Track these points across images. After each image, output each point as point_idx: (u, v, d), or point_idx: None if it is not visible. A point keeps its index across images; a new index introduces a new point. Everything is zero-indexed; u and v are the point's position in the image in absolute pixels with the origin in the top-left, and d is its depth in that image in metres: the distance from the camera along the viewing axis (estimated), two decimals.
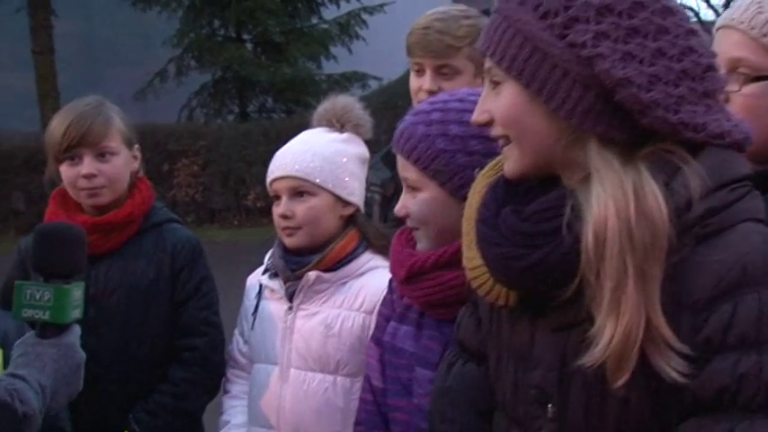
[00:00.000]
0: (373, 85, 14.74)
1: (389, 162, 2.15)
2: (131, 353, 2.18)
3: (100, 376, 2.11)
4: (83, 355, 1.49)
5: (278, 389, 2.03)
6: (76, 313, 1.48)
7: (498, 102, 1.22)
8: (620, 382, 1.12)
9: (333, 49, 15.07)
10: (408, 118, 1.64)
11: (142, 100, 14.30)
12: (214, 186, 13.17)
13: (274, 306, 2.08)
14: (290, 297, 2.03)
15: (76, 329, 1.51)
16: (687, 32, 1.17)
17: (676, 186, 1.13)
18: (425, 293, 1.62)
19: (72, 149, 2.15)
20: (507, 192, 1.28)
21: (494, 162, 1.36)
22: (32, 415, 1.31)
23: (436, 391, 1.47)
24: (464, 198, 1.46)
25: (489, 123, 1.25)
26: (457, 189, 1.56)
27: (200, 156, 13.20)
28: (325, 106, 2.15)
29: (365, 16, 15.07)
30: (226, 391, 2.24)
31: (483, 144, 1.52)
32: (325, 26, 15.35)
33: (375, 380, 1.78)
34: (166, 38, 14.62)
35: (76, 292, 1.48)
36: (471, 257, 1.31)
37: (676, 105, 1.12)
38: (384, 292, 1.85)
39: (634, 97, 1.11)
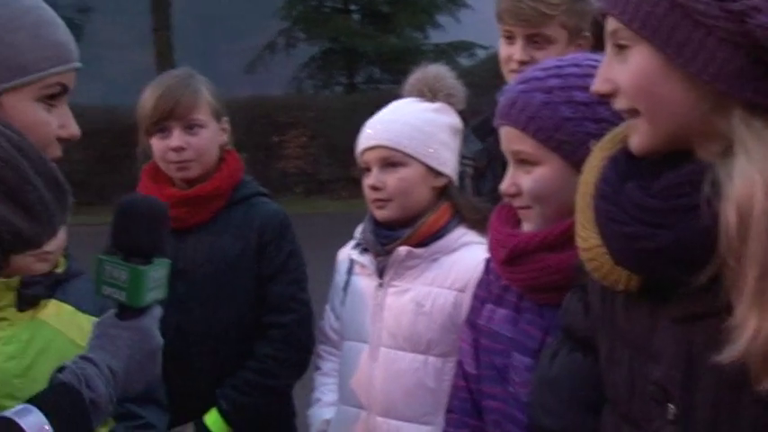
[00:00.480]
0: (480, 54, 14.53)
1: (481, 133, 2.06)
2: (219, 328, 2.16)
3: (188, 351, 2.14)
4: (160, 340, 1.41)
5: (368, 368, 1.98)
6: (155, 294, 1.39)
7: (625, 69, 1.10)
8: (766, 384, 1.00)
9: (439, 18, 15.03)
10: (517, 86, 1.52)
11: (252, 72, 14.63)
12: (322, 157, 13.34)
13: (365, 282, 2.03)
14: (381, 273, 1.98)
15: (155, 312, 1.42)
16: None
17: None
18: (528, 277, 1.53)
19: (161, 122, 2.14)
20: (630, 166, 1.16)
21: (612, 134, 1.25)
22: (100, 402, 1.25)
23: (538, 382, 1.39)
24: None
25: (613, 94, 1.13)
26: (584, 160, 1.42)
27: (309, 127, 13.39)
28: (416, 76, 2.08)
29: None
30: (317, 368, 2.22)
31: (612, 110, 1.41)
32: None
33: (468, 365, 1.70)
34: (275, 10, 14.84)
35: (155, 272, 1.38)
36: (586, 237, 1.20)
37: None
38: (478, 271, 1.75)
39: None
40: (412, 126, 1.95)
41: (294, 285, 2.20)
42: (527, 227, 1.55)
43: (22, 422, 1.14)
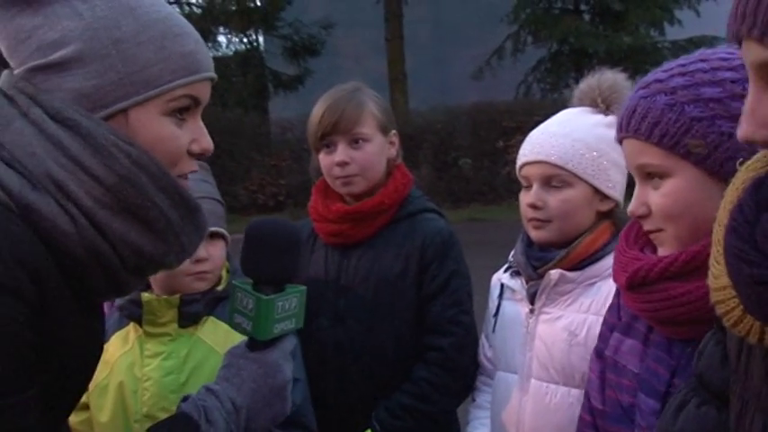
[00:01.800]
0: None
1: None
2: (377, 347, 2.12)
3: (345, 367, 2.12)
4: (288, 375, 1.33)
5: (518, 401, 1.88)
6: (284, 326, 1.31)
7: None
8: None
9: (678, 13, 14.14)
10: (638, 92, 1.35)
11: (480, 79, 14.64)
12: None
13: (516, 308, 1.93)
14: (532, 298, 1.86)
15: (287, 345, 1.34)
16: None
17: None
18: (651, 308, 1.36)
19: (327, 137, 2.12)
20: None
21: (765, 152, 1.03)
22: None
23: None
24: (729, 176, 1.14)
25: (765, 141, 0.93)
26: (720, 165, 1.27)
27: None
28: (589, 83, 1.91)
29: None
30: (473, 399, 2.13)
31: (741, 104, 1.22)
32: None
33: (595, 399, 1.57)
34: (503, 15, 14.76)
35: (285, 302, 1.30)
36: (718, 275, 1.02)
37: None
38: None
39: None
40: (582, 142, 1.80)
41: (455, 307, 2.10)
42: (661, 251, 1.38)
43: None
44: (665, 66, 1.38)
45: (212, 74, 1.20)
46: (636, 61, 13.94)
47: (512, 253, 1.97)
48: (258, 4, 15.23)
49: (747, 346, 1.04)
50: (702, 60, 1.32)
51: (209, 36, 15.46)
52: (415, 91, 14.99)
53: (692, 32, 13.79)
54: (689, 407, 1.18)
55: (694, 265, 1.29)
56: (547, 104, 13.74)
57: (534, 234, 1.85)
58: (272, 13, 15.86)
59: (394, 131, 2.20)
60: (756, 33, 0.87)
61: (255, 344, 1.31)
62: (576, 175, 1.80)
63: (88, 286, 1.07)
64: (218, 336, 1.90)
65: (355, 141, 2.10)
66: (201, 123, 1.20)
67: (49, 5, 1.11)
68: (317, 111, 2.13)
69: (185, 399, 1.27)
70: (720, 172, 1.27)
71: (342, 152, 2.10)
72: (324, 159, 2.14)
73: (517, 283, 1.91)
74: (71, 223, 1.04)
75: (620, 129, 1.38)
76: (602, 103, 1.84)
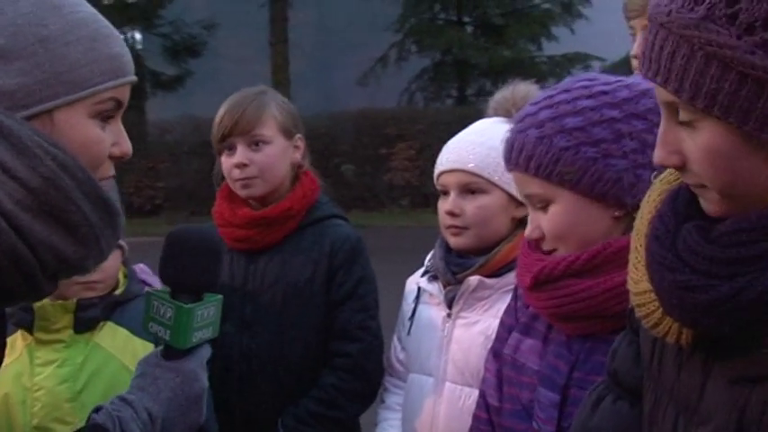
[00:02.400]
0: (596, 66, 14.27)
1: None
2: (284, 353, 2.13)
3: (251, 375, 2.14)
4: (204, 384, 1.34)
5: (432, 404, 1.92)
6: (203, 334, 1.32)
7: (695, 143, 0.99)
8: None
9: (554, 30, 14.89)
10: (513, 128, 1.51)
11: (365, 85, 14.84)
12: (430, 171, 13.30)
13: (432, 312, 1.97)
14: (450, 303, 1.90)
15: (203, 353, 1.36)
16: None
17: None
18: (553, 304, 1.48)
19: (227, 138, 2.13)
20: (692, 203, 1.06)
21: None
22: None
23: (578, 429, 1.32)
24: (602, 196, 1.43)
25: (680, 167, 1.03)
26: (591, 187, 1.43)
27: (417, 140, 13.48)
28: (503, 94, 1.99)
29: None
30: (382, 401, 2.17)
31: (609, 128, 1.43)
32: (546, 6, 15.15)
33: (491, 397, 1.66)
34: (389, 24, 15.04)
35: (204, 310, 1.31)
36: (638, 280, 1.11)
37: None
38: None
39: None
40: (497, 151, 1.81)
41: (363, 313, 2.15)
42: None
43: None
44: (535, 98, 1.53)
45: (135, 77, 1.20)
46: (515, 74, 14.30)
47: (428, 257, 2.01)
48: (137, 1, 14.87)
49: (661, 345, 1.14)
50: (566, 91, 1.46)
51: None
52: (298, 96, 14.95)
53: (567, 49, 14.51)
54: (605, 403, 1.27)
55: (594, 264, 1.43)
56: (429, 113, 14.13)
57: (453, 241, 1.90)
58: (151, 10, 15.54)
59: (299, 135, 2.21)
60: (660, 80, 0.97)
61: (172, 353, 1.30)
62: (492, 183, 1.86)
63: (4, 290, 1.03)
64: (118, 341, 1.92)
65: (255, 143, 2.11)
66: (122, 127, 1.20)
67: None
68: (220, 112, 2.15)
69: (97, 409, 1.24)
70: (593, 193, 1.43)
71: (240, 154, 2.10)
72: (225, 162, 2.14)
73: (435, 288, 1.95)
74: None
75: (505, 162, 1.51)
76: (511, 110, 1.89)
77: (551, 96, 1.47)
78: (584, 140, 1.42)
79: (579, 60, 14.36)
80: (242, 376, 2.13)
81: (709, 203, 1.04)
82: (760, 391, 1.01)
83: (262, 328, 2.14)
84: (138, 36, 16.90)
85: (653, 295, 1.08)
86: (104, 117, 1.15)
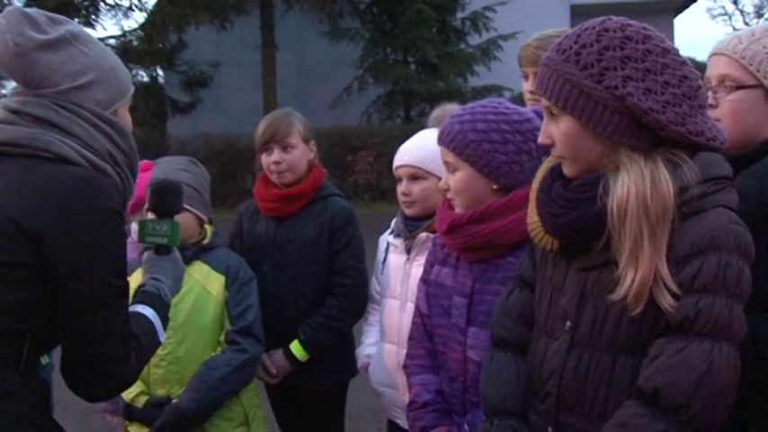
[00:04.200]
0: (507, 94, 14.32)
1: None
2: (302, 284, 2.27)
3: (281, 299, 2.27)
4: (183, 265, 1.58)
5: (398, 316, 2.04)
6: (178, 240, 1.56)
7: (557, 130, 1.23)
8: (637, 311, 1.15)
9: (476, 68, 14.79)
10: (447, 120, 1.65)
11: (334, 109, 14.73)
12: (384, 172, 13.33)
13: (397, 258, 2.08)
14: (408, 251, 2.03)
15: (177, 251, 1.58)
16: (681, 64, 1.20)
17: (678, 176, 1.16)
18: (461, 242, 1.61)
19: (266, 144, 2.27)
20: (560, 172, 1.30)
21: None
22: (168, 300, 1.45)
23: (498, 309, 1.47)
24: (487, 174, 1.55)
25: (551, 145, 1.27)
26: (482, 167, 1.57)
27: (375, 149, 13.41)
28: (436, 111, 2.21)
29: (501, 42, 14.68)
30: (364, 320, 2.30)
31: (501, 136, 1.55)
32: (470, 50, 15.09)
33: (423, 307, 1.77)
34: (352, 62, 14.97)
35: (179, 227, 1.56)
36: (531, 216, 1.33)
37: (683, 120, 1.16)
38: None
39: (655, 120, 1.15)
40: (432, 151, 1.91)
41: (354, 258, 2.28)
42: (456, 210, 1.67)
43: (147, 312, 1.37)
44: (467, 106, 1.67)
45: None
46: (447, 100, 14.46)
47: (392, 222, 2.13)
48: (162, 46, 14.63)
49: (545, 253, 1.35)
50: (482, 106, 1.63)
51: None
52: None
53: (485, 82, 14.54)
54: (514, 292, 1.46)
55: (485, 215, 1.57)
56: (384, 129, 14.06)
57: (407, 211, 2.03)
58: (172, 53, 15.32)
59: (313, 142, 2.35)
60: (542, 93, 1.22)
61: (164, 251, 1.54)
62: (428, 171, 1.96)
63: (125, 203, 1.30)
64: (202, 273, 2.10)
65: (285, 148, 2.26)
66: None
67: (67, 49, 1.28)
68: (261, 126, 2.31)
69: (142, 285, 1.47)
70: (482, 171, 1.57)
71: (276, 155, 2.26)
72: (264, 159, 2.30)
73: (398, 241, 2.07)
74: (117, 176, 1.28)
75: (437, 139, 1.66)
76: (440, 124, 2.01)
77: (473, 108, 1.62)
78: (484, 139, 1.57)
79: (494, 90, 14.32)
80: (274, 300, 2.27)
81: (566, 168, 1.27)
82: (593, 275, 1.23)
83: (286, 268, 2.27)
84: (161, 72, 16.61)
85: (539, 223, 1.30)
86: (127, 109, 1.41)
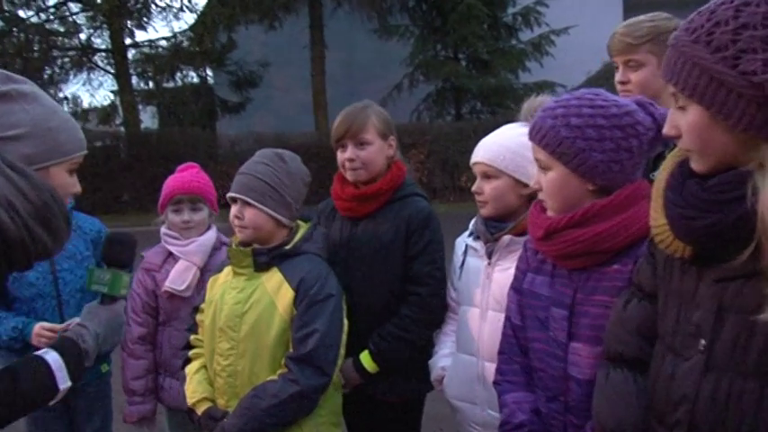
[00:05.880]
0: (559, 91, 14.10)
1: None
2: (374, 291, 2.16)
3: (353, 304, 2.13)
4: (123, 318, 1.60)
5: (478, 326, 1.96)
6: (124, 292, 1.59)
7: (684, 120, 1.13)
8: None
9: (528, 64, 14.67)
10: (538, 114, 1.53)
11: (384, 107, 14.65)
12: (435, 170, 13.33)
13: (477, 262, 2.00)
14: (489, 255, 1.95)
15: (122, 303, 1.61)
16: None
17: None
18: (559, 248, 1.51)
19: (341, 140, 2.16)
20: (691, 169, 1.18)
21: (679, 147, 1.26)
22: (89, 351, 1.45)
23: (614, 320, 1.38)
24: (582, 174, 1.45)
25: (678, 137, 1.16)
26: (576, 166, 1.47)
27: (426, 147, 13.39)
28: (527, 103, 2.02)
29: (553, 37, 14.50)
30: (440, 329, 2.20)
31: (597, 132, 1.45)
32: (521, 46, 14.96)
33: (515, 318, 1.69)
34: (402, 59, 14.96)
35: (126, 278, 1.58)
36: (656, 218, 1.23)
37: None
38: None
39: None
40: (505, 147, 1.89)
41: (431, 265, 2.14)
42: (548, 213, 1.57)
43: (48, 357, 1.35)
44: (561, 98, 1.54)
45: (86, 151, 1.44)
46: (498, 97, 14.42)
47: (471, 223, 2.05)
48: (212, 46, 14.88)
49: (671, 260, 1.24)
50: (577, 98, 1.49)
51: (173, 71, 15.12)
52: (333, 115, 14.89)
53: (537, 78, 14.36)
54: (632, 303, 1.36)
55: (585, 218, 1.47)
56: (434, 127, 14.04)
57: (480, 211, 1.96)
58: (222, 54, 15.56)
59: (392, 137, 2.22)
60: (668, 79, 1.12)
61: (106, 301, 1.56)
62: (500, 170, 1.89)
63: (12, 262, 1.25)
64: (274, 284, 1.95)
65: (360, 144, 2.14)
66: (75, 176, 1.45)
67: (7, 103, 1.30)
68: (336, 120, 2.17)
69: (64, 331, 1.49)
70: (576, 171, 1.46)
71: (350, 151, 2.15)
72: (339, 156, 2.18)
73: (478, 244, 1.99)
74: (14, 225, 1.21)
75: (528, 134, 1.56)
76: (531, 117, 1.88)
77: (567, 100, 1.50)
78: (579, 135, 1.45)
79: (546, 87, 14.11)
80: (347, 304, 2.11)
81: (694, 163, 1.16)
82: (733, 287, 1.11)
83: (359, 273, 2.15)
84: (209, 72, 16.89)
85: (667, 226, 1.19)
86: (71, 171, 1.40)
